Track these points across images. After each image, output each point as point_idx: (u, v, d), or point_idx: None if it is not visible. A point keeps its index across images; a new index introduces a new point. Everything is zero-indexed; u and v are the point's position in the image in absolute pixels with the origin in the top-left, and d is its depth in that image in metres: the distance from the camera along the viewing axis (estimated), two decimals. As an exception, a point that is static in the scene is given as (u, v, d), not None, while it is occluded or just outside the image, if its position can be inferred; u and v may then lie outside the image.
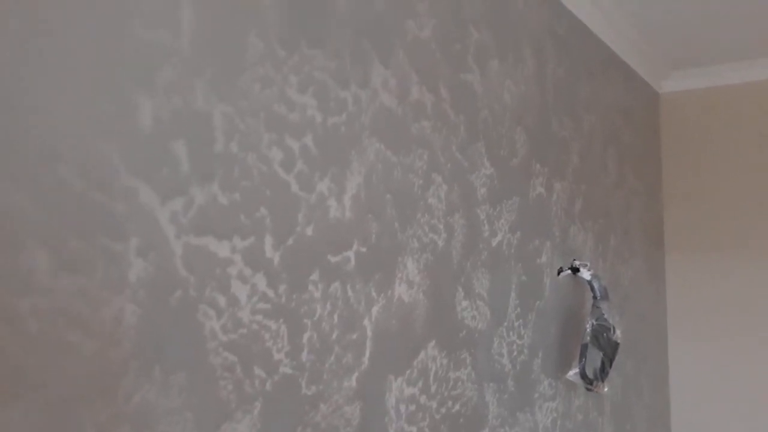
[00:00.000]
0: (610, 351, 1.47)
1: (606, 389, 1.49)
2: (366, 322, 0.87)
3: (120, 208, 0.57)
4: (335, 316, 0.82)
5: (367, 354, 0.87)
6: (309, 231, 0.78)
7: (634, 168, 2.22)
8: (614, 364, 1.50)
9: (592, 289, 1.49)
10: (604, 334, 1.45)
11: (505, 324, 1.26)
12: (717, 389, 2.52)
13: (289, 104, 0.76)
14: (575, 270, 1.51)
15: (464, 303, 1.12)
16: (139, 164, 0.59)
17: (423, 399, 0.99)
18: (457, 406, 1.08)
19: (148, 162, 0.60)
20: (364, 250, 0.88)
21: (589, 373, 1.43)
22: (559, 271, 1.52)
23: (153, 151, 0.60)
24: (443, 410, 1.04)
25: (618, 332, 1.49)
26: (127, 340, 0.57)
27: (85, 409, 0.53)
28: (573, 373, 1.40)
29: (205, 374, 0.64)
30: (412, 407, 0.96)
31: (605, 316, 1.46)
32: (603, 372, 1.46)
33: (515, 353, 1.29)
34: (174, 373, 0.61)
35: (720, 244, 2.51)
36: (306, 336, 0.77)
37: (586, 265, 1.52)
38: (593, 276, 1.50)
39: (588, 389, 1.47)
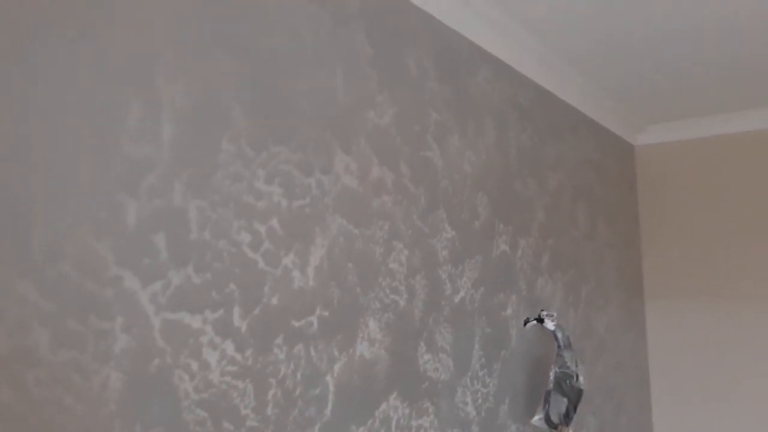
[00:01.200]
0: (574, 397, 1.57)
1: (571, 433, 1.58)
2: (328, 378, 0.99)
3: (108, 293, 0.71)
4: (298, 374, 0.94)
5: (330, 407, 0.99)
6: (274, 300, 0.91)
7: (607, 219, 2.35)
8: (578, 408, 1.60)
9: (556, 338, 1.60)
10: (567, 381, 1.56)
11: (469, 374, 1.37)
12: (701, 427, 2.58)
13: (256, 194, 0.90)
14: (540, 321, 1.63)
15: (426, 356, 1.24)
16: (124, 256, 0.73)
17: (384, 446, 1.10)
18: (419, 452, 1.19)
19: (133, 253, 0.73)
20: (326, 314, 1.00)
21: (554, 418, 1.53)
22: (525, 322, 1.64)
23: (137, 244, 0.74)
24: (405, 456, 1.15)
25: (581, 379, 1.59)
26: (113, 402, 0.70)
27: (77, 460, 0.66)
28: (537, 418, 1.50)
29: (179, 429, 0.76)
30: (374, 454, 1.08)
31: (568, 363, 1.57)
32: (567, 417, 1.56)
33: (480, 401, 1.40)
34: (152, 428, 0.73)
35: (699, 290, 2.61)
36: (271, 393, 0.89)
37: (552, 316, 1.64)
38: (557, 326, 1.61)
39: (553, 434, 1.56)
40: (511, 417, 1.52)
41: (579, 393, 1.59)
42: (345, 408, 1.02)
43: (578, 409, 1.60)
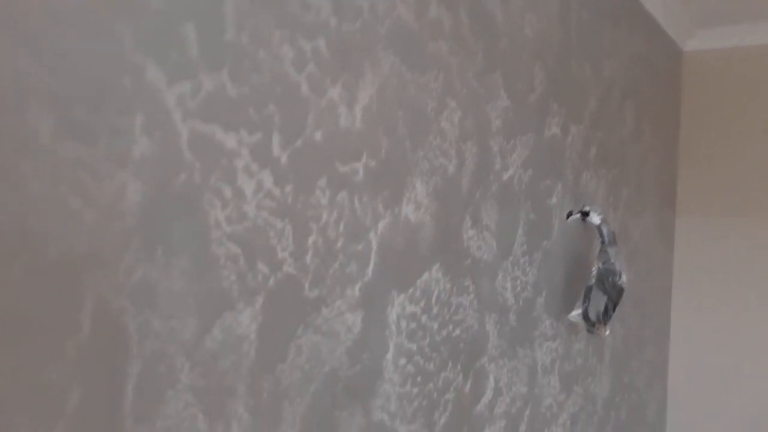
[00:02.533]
0: (614, 295, 1.47)
1: (607, 332, 1.49)
2: (372, 235, 0.87)
3: (126, 83, 0.56)
4: (341, 225, 0.81)
5: (371, 266, 0.87)
6: (318, 136, 0.77)
7: (652, 123, 2.18)
8: (618, 308, 1.50)
9: (601, 233, 1.48)
10: (610, 278, 1.45)
11: (511, 259, 1.26)
12: (716, 351, 2.53)
13: (303, 4, 0.74)
14: (585, 214, 1.50)
15: (471, 232, 1.12)
16: (147, 41, 0.58)
17: (424, 319, 1.00)
18: (457, 331, 1.09)
19: (157, 41, 0.59)
20: (373, 164, 0.87)
21: (592, 316, 1.43)
22: (569, 215, 1.51)
23: (161, 30, 0.59)
24: (444, 333, 1.05)
25: (624, 277, 1.49)
26: (130, 216, 0.57)
27: (86, 277, 0.54)
28: (575, 313, 1.41)
29: (208, 262, 0.64)
30: (413, 325, 0.97)
31: (612, 260, 1.46)
32: (606, 315, 1.46)
33: (518, 289, 1.30)
34: (177, 255, 0.61)
35: (732, 209, 2.48)
36: (311, 239, 0.77)
37: (597, 210, 1.51)
38: (602, 220, 1.49)
39: (589, 331, 1.47)
40: (547, 311, 1.43)
41: (620, 292, 1.48)
42: (387, 271, 0.91)
43: (617, 308, 1.51)
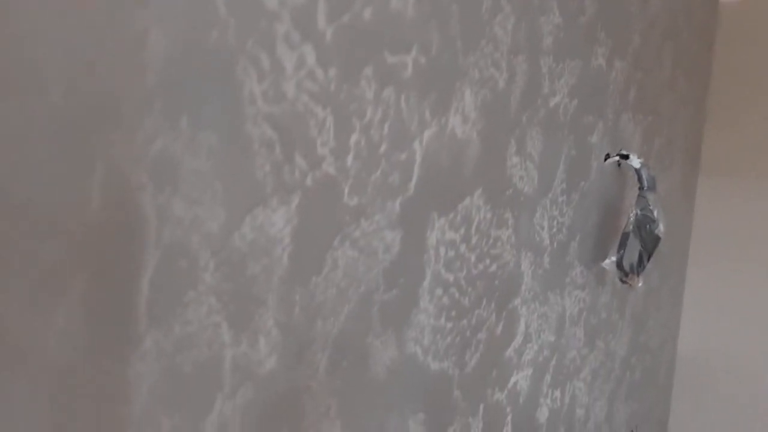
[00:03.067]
0: (650, 244, 1.38)
1: (640, 284, 1.41)
2: (416, 145, 0.76)
3: None
4: (386, 126, 0.70)
5: (414, 180, 0.77)
6: (367, 14, 0.65)
7: (686, 73, 2.06)
8: (652, 259, 1.41)
9: (640, 178, 1.38)
10: (647, 226, 1.35)
11: (550, 196, 1.16)
12: (729, 316, 2.46)
13: None
14: (624, 157, 1.40)
15: (515, 159, 1.01)
16: None
17: (463, 248, 0.90)
18: (494, 267, 0.99)
19: None
20: (423, 60, 0.75)
21: (626, 265, 1.34)
22: (606, 157, 1.40)
23: None
24: (481, 266, 0.95)
25: (662, 226, 1.39)
26: (152, 72, 0.46)
27: (96, 136, 0.43)
28: (609, 261, 1.31)
29: (240, 144, 0.53)
30: (452, 253, 0.87)
31: (651, 207, 1.36)
32: (640, 266, 1.37)
33: (554, 230, 1.20)
34: (205, 130, 0.50)
35: (758, 171, 2.38)
36: (353, 138, 0.66)
37: (636, 154, 1.40)
38: (642, 164, 1.38)
39: (622, 281, 1.38)
40: (578, 257, 1.33)
41: (656, 241, 1.39)
42: (429, 188, 0.80)
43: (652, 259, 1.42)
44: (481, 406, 1.02)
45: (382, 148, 0.70)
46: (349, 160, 0.66)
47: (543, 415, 1.27)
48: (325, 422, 0.68)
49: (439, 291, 0.86)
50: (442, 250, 0.85)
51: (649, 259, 1.39)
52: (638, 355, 1.96)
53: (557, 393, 1.33)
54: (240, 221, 0.54)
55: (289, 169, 0.59)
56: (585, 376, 1.49)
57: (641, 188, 1.37)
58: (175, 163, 0.48)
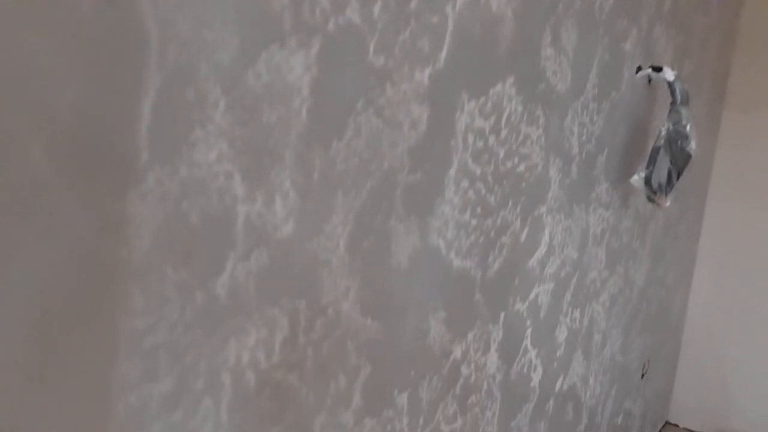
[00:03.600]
0: (680, 162, 1.30)
1: (668, 204, 1.34)
2: (449, 9, 0.68)
3: None
4: (416, -20, 0.63)
5: (445, 51, 0.69)
6: None
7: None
8: (681, 178, 1.34)
9: (673, 92, 1.29)
10: (679, 142, 1.28)
11: (582, 99, 1.08)
12: (745, 256, 2.41)
13: None
14: (657, 69, 1.31)
15: (549, 50, 0.93)
16: None
17: (492, 140, 0.83)
18: (522, 167, 0.93)
19: None
20: None
21: (655, 184, 1.27)
22: (638, 69, 1.32)
23: None
24: (509, 164, 0.89)
25: (693, 144, 1.31)
26: None
27: None
28: (638, 177, 1.24)
29: (255, -36, 0.46)
30: (480, 144, 0.80)
31: (684, 122, 1.28)
32: (669, 184, 1.30)
33: (584, 138, 1.13)
34: (215, -63, 0.43)
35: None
36: (381, -13, 0.58)
37: (670, 68, 1.32)
38: (676, 77, 1.30)
39: (650, 199, 1.32)
40: (605, 173, 1.26)
41: (687, 158, 1.32)
42: (460, 63, 0.73)
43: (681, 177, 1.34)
44: (502, 315, 0.97)
45: (413, 4, 0.63)
46: (376, 10, 0.58)
47: (562, 334, 1.23)
48: (344, 303, 0.62)
49: (465, 183, 0.79)
50: (471, 138, 0.78)
51: (678, 178, 1.32)
52: (655, 288, 1.92)
53: (577, 313, 1.28)
54: (255, 57, 0.48)
55: (309, 6, 0.51)
56: (604, 301, 1.44)
57: (674, 102, 1.29)
58: (181, -29, 0.41)
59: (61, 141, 0.37)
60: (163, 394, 0.47)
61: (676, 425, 2.64)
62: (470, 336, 0.89)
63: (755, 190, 2.37)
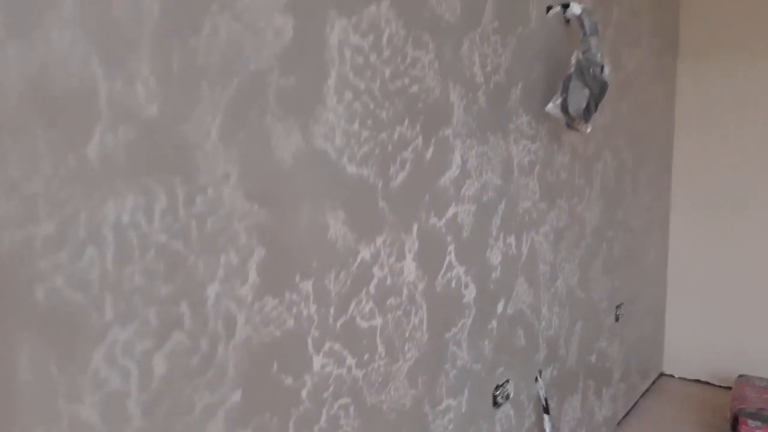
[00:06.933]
0: (597, 90, 1.39)
1: (589, 129, 1.43)
2: (301, -65, 0.80)
3: None
4: None
5: (303, -28, 0.80)
6: None
7: (650, -53, 2.03)
8: (599, 105, 1.42)
9: (582, 24, 1.39)
10: (591, 70, 1.37)
11: (479, 31, 1.18)
12: (719, 193, 2.46)
13: None
14: (565, 6, 1.41)
15: (428, -18, 1.03)
16: None
17: (373, 58, 0.94)
18: (415, 88, 1.03)
19: None
20: None
21: (572, 110, 1.36)
22: (548, 9, 1.41)
23: None
24: (398, 83, 0.99)
25: (607, 71, 1.40)
26: None
27: None
28: (552, 105, 1.33)
29: None
30: (360, 59, 0.91)
31: (593, 51, 1.37)
32: (587, 111, 1.39)
33: (489, 68, 1.22)
34: None
35: (734, 48, 2.35)
36: None
37: (579, 3, 1.41)
38: (584, 10, 1.39)
39: (569, 126, 1.41)
40: (524, 106, 1.36)
41: (603, 86, 1.41)
42: (323, -14, 0.84)
43: (600, 107, 1.42)
44: (415, 226, 1.06)
45: (259, -71, 0.74)
46: (220, -69, 0.70)
47: (495, 257, 1.31)
48: (224, 187, 0.73)
49: (348, 95, 0.90)
50: (347, 53, 0.89)
51: (596, 107, 1.41)
52: (615, 231, 1.99)
53: (511, 239, 1.37)
54: (98, -40, 0.59)
55: None
56: (546, 232, 1.53)
57: (584, 34, 1.38)
58: None
59: None
60: (46, 235, 0.57)
61: (671, 375, 2.68)
62: (379, 240, 0.98)
63: (717, 124, 2.43)
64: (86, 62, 0.59)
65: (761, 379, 2.21)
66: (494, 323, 1.34)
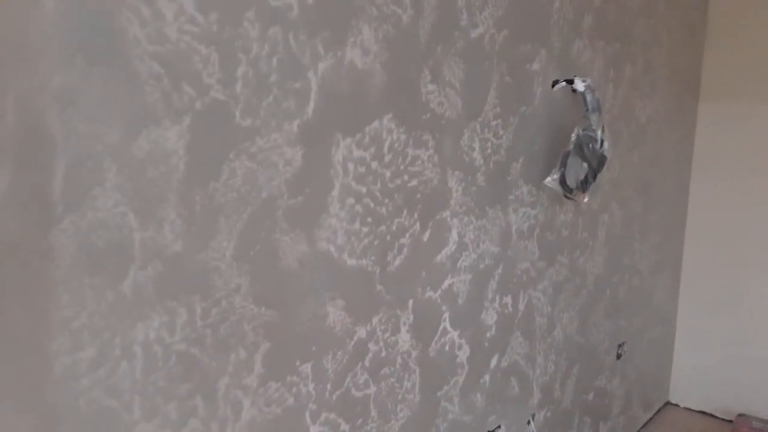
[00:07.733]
0: (595, 162, 1.48)
1: (586, 199, 1.52)
2: (311, 75, 0.92)
3: None
4: (274, 60, 0.86)
5: (312, 106, 0.93)
6: (245, -33, 0.81)
7: (671, -1, 2.07)
8: (598, 176, 1.51)
9: (584, 101, 1.47)
10: (590, 145, 1.45)
11: (480, 120, 1.28)
12: (733, 236, 2.50)
13: None
14: (569, 81, 1.49)
15: (431, 87, 1.14)
16: None
17: (375, 165, 1.05)
18: (414, 182, 1.14)
19: None
20: (309, 1, 0.90)
21: (570, 182, 1.45)
22: (554, 84, 1.50)
23: None
24: (398, 181, 1.11)
25: (606, 145, 1.49)
26: (46, 20, 0.63)
27: (8, 75, 0.61)
28: (550, 179, 1.43)
29: (129, 75, 0.71)
30: (362, 169, 1.03)
31: (593, 126, 1.46)
32: (585, 183, 1.48)
33: (489, 151, 1.33)
34: (97, 65, 0.68)
35: (761, 95, 2.37)
36: (240, 70, 0.82)
37: (585, 80, 1.49)
38: (587, 87, 1.47)
39: (567, 197, 1.50)
40: (524, 177, 1.46)
41: (601, 159, 1.49)
42: (330, 112, 0.96)
43: (598, 178, 1.51)
44: (411, 302, 1.19)
45: (272, 77, 0.86)
46: (239, 87, 0.82)
47: (490, 317, 1.43)
48: (236, 297, 0.87)
49: (350, 200, 1.02)
50: (350, 166, 1.01)
51: (595, 177, 1.50)
52: (621, 275, 2.07)
53: (508, 299, 1.48)
54: (136, 135, 0.72)
55: (177, 96, 0.76)
56: (544, 288, 1.63)
57: (586, 110, 1.47)
58: (74, 92, 0.66)
59: (4, 208, 0.63)
60: (89, 359, 0.72)
61: (676, 405, 2.75)
62: (375, 319, 1.11)
63: (736, 170, 2.47)
64: (124, 218, 0.73)
65: (759, 420, 2.27)
66: (487, 377, 1.46)
